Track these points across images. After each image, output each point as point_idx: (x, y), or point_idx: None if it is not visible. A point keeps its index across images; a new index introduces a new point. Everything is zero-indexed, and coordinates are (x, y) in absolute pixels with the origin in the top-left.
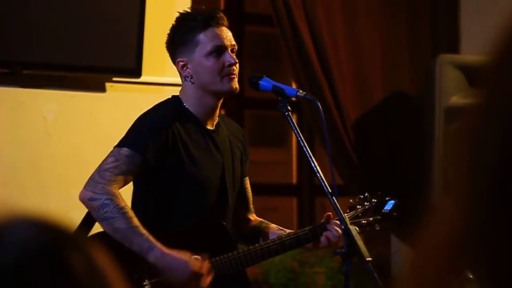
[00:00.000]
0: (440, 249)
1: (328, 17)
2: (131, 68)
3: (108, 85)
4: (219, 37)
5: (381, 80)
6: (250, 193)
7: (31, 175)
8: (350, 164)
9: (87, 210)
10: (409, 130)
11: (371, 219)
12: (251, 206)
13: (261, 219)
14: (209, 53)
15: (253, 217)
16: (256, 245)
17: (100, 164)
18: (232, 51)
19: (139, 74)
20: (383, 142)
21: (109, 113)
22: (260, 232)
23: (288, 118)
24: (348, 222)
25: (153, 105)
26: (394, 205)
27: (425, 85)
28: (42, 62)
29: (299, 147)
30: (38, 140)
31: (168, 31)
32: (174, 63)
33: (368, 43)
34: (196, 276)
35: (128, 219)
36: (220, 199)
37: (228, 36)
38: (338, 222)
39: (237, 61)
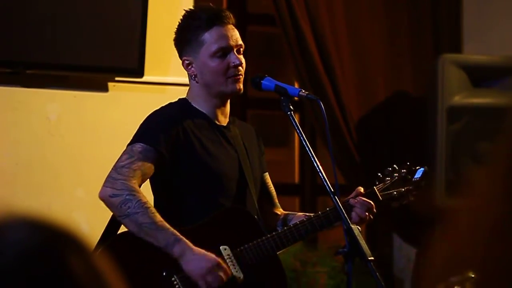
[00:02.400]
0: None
1: (330, 17)
2: (133, 67)
3: (110, 84)
4: (224, 37)
5: (384, 80)
6: (273, 188)
7: (34, 175)
8: (353, 163)
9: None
10: (411, 130)
11: (403, 189)
12: (276, 200)
13: (287, 212)
14: (214, 54)
15: (279, 211)
16: (285, 227)
17: (116, 163)
18: (238, 51)
19: (141, 74)
20: (386, 141)
21: (112, 113)
22: (279, 223)
23: (291, 117)
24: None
25: (161, 106)
26: (423, 173)
27: (428, 85)
28: (45, 62)
29: (302, 147)
30: (40, 140)
31: (176, 28)
32: (181, 60)
33: (370, 42)
34: (219, 269)
35: (152, 214)
36: (240, 192)
37: (233, 36)
38: (364, 199)
39: (243, 62)
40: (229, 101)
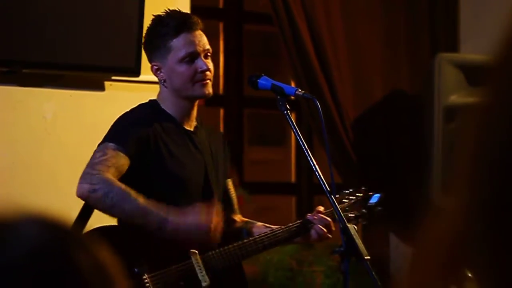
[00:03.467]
0: (441, 247)
1: (327, 16)
2: (130, 67)
3: (107, 84)
4: (191, 43)
5: (380, 79)
6: (234, 194)
7: (30, 174)
8: (349, 162)
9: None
10: (408, 129)
11: (357, 213)
12: (236, 206)
13: (247, 220)
14: (182, 60)
15: (238, 217)
16: (250, 238)
17: (89, 161)
18: (206, 56)
19: (138, 73)
20: (382, 141)
21: (108, 112)
22: (245, 231)
23: (287, 116)
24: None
25: (131, 107)
26: (379, 199)
27: (424, 84)
28: (41, 61)
29: (298, 146)
30: (37, 139)
31: (144, 33)
32: (150, 64)
33: (367, 41)
34: (208, 218)
35: (134, 199)
36: (205, 197)
37: (201, 41)
38: (323, 216)
39: (210, 66)
40: (196, 105)
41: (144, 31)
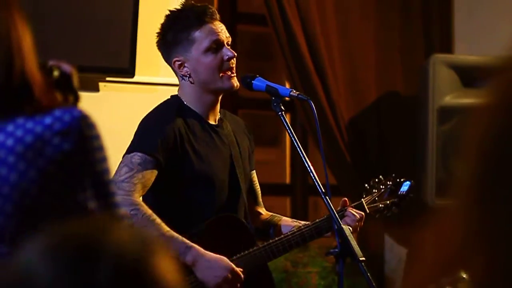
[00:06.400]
0: (440, 248)
1: (321, 17)
2: (124, 67)
3: (101, 84)
4: (215, 32)
5: (375, 80)
6: (258, 186)
7: None
8: (344, 164)
9: None
10: (402, 130)
11: (388, 202)
12: (260, 199)
13: (272, 213)
14: (207, 50)
15: (263, 211)
16: (276, 238)
17: (115, 176)
18: (227, 44)
19: (132, 74)
20: (377, 142)
21: (103, 113)
22: (272, 225)
23: (282, 118)
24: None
25: (154, 107)
26: (410, 186)
27: (419, 85)
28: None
29: (293, 147)
30: None
31: (159, 30)
32: (168, 62)
33: (361, 43)
34: (233, 275)
35: (158, 225)
36: (233, 192)
37: (223, 30)
38: (353, 211)
39: (235, 54)
40: (220, 98)
41: (139, 32)
